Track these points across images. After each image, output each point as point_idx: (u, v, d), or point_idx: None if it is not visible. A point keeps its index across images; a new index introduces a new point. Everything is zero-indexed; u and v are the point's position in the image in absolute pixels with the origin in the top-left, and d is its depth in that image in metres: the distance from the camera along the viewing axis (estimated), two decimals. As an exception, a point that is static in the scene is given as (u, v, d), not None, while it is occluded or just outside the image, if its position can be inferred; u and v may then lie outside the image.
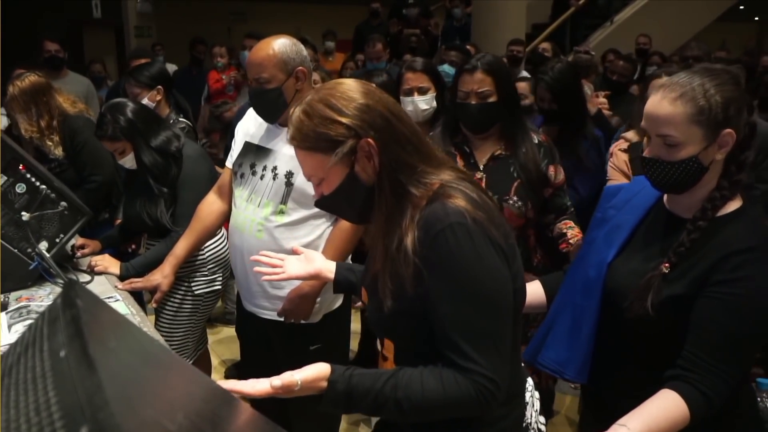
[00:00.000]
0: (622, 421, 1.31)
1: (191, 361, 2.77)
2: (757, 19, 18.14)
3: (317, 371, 1.20)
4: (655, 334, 1.44)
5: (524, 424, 1.38)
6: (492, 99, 2.30)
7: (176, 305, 2.66)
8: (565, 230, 2.46)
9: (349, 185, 1.29)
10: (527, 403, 1.40)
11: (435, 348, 1.23)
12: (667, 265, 1.41)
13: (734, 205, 1.43)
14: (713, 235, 1.39)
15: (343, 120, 1.24)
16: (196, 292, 2.65)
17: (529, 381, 1.44)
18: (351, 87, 1.28)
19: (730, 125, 1.37)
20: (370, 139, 1.24)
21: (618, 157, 2.59)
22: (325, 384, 1.20)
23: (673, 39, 8.48)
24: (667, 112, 1.37)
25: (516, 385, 1.37)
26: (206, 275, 2.65)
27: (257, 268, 1.73)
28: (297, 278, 1.69)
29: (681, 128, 1.36)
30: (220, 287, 2.70)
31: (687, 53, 4.47)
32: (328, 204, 1.37)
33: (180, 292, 2.64)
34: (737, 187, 1.42)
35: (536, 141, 2.40)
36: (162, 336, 2.72)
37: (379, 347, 1.52)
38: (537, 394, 1.46)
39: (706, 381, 1.32)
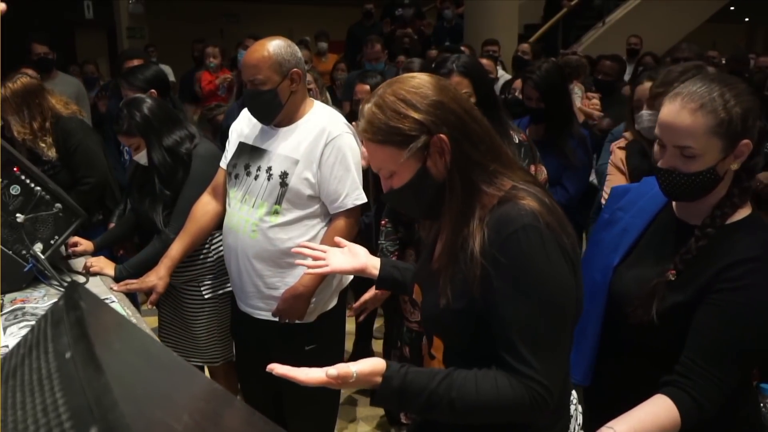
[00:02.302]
0: (610, 423, 1.30)
1: (218, 364, 2.77)
2: (747, 19, 18.25)
3: (373, 365, 1.18)
4: (659, 341, 1.43)
5: None
6: (471, 101, 2.27)
7: (190, 309, 2.65)
8: None
9: (419, 180, 1.27)
10: (571, 416, 1.39)
11: (488, 348, 1.22)
12: (673, 272, 1.39)
13: (743, 212, 1.41)
14: (720, 242, 1.37)
15: (417, 115, 1.23)
16: (206, 296, 2.63)
17: (573, 393, 1.42)
18: (424, 82, 1.27)
19: (748, 136, 1.35)
20: (443, 135, 1.23)
21: (616, 154, 2.62)
22: (379, 379, 1.18)
23: (664, 40, 8.51)
24: (687, 123, 1.34)
25: (564, 395, 1.34)
26: (216, 277, 2.63)
27: (299, 261, 1.71)
28: (342, 272, 1.67)
29: (701, 140, 1.33)
30: (231, 288, 2.69)
31: (678, 54, 4.50)
32: (396, 198, 1.34)
33: (191, 296, 2.64)
34: (747, 194, 1.40)
35: (516, 141, 2.39)
36: (182, 342, 2.72)
37: (425, 344, 1.50)
38: (580, 408, 1.45)
39: (700, 388, 1.31)
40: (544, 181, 2.48)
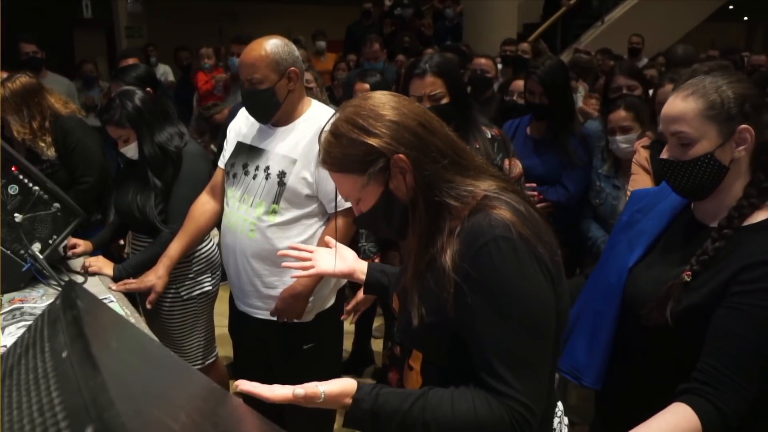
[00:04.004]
0: None
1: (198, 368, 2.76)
2: (746, 18, 18.26)
3: (342, 386, 1.15)
4: (673, 344, 1.39)
5: None
6: (445, 101, 2.26)
7: (166, 310, 2.64)
8: None
9: (385, 203, 1.24)
10: (554, 429, 1.32)
11: (467, 362, 1.17)
12: (688, 273, 1.37)
13: (763, 214, 1.37)
14: (738, 244, 1.34)
15: (371, 140, 1.19)
16: (185, 297, 2.62)
17: (559, 405, 1.35)
18: (378, 102, 1.23)
19: (747, 121, 1.34)
20: (401, 155, 1.18)
21: (640, 153, 2.61)
22: (349, 401, 1.14)
23: (663, 39, 8.53)
24: (679, 109, 1.37)
25: (547, 410, 1.27)
26: (192, 278, 2.62)
27: (285, 264, 1.68)
28: (329, 275, 1.63)
29: (693, 124, 1.35)
30: (210, 288, 2.67)
31: (672, 57, 4.52)
32: (366, 222, 1.31)
33: (168, 296, 2.63)
34: (765, 194, 1.38)
35: (489, 136, 2.39)
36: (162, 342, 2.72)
37: (396, 352, 1.46)
38: (566, 420, 1.38)
39: (722, 395, 1.26)
40: (519, 175, 2.46)
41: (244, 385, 1.13)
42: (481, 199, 1.19)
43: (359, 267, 1.61)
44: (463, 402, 1.12)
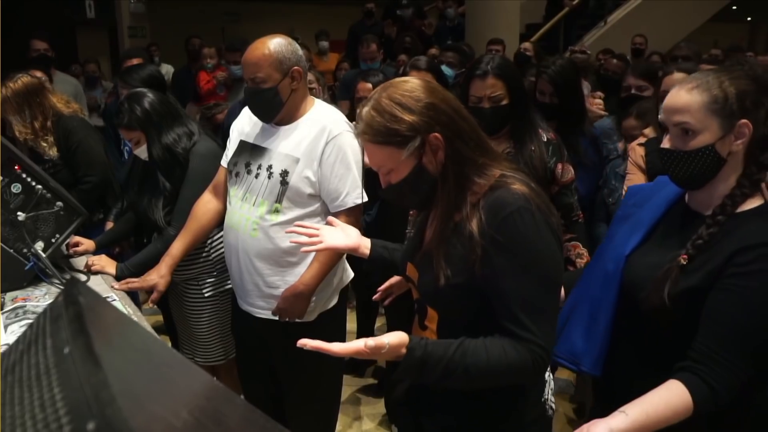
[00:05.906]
0: (623, 408, 1.33)
1: (219, 363, 2.78)
2: (749, 19, 18.25)
3: (400, 338, 1.27)
4: (671, 327, 1.45)
5: (542, 399, 1.50)
6: (504, 102, 2.32)
7: (190, 308, 2.66)
8: (573, 256, 2.47)
9: (416, 176, 1.39)
10: (546, 381, 1.52)
11: (484, 321, 1.34)
12: (685, 257, 1.43)
13: (755, 202, 1.44)
14: (732, 230, 1.41)
15: (412, 117, 1.34)
16: (206, 294, 2.64)
17: None
18: (416, 86, 1.38)
19: (747, 117, 1.40)
20: (437, 134, 1.35)
21: (635, 151, 2.61)
22: (404, 351, 1.27)
23: (666, 39, 8.51)
24: (683, 101, 1.42)
25: None
26: (215, 275, 2.64)
27: (293, 239, 1.75)
28: (337, 249, 1.75)
29: (697, 116, 1.41)
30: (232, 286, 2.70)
31: (676, 53, 4.51)
32: (393, 193, 1.45)
33: (192, 294, 2.65)
34: (757, 186, 1.44)
35: (545, 139, 2.42)
36: (186, 340, 2.73)
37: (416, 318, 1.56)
38: (552, 375, 1.56)
39: (713, 373, 1.33)
40: (569, 180, 2.46)
41: (312, 342, 1.26)
42: (498, 177, 1.37)
43: (363, 242, 1.75)
44: (495, 348, 1.30)
